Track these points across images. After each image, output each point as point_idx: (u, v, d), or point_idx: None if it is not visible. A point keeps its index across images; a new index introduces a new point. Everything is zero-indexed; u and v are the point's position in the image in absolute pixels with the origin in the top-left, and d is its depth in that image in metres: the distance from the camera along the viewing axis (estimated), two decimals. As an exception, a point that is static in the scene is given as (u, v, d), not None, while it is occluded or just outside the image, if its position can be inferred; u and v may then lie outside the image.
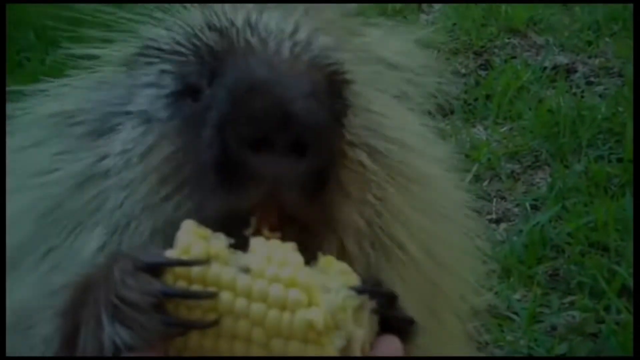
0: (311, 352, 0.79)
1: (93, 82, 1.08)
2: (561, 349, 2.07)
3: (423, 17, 4.08)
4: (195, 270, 0.82)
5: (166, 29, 1.04)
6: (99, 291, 0.85)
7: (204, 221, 0.85)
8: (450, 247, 1.07)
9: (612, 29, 3.65)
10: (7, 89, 1.13)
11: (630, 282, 2.16)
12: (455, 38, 3.70)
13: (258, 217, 0.87)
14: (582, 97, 3.22)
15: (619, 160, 2.75)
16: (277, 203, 0.86)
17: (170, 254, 0.83)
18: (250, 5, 1.04)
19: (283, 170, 0.85)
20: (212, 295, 0.80)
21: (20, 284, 0.99)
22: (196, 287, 0.81)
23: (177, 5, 1.06)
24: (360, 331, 0.83)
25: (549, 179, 2.74)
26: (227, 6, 1.03)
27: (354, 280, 0.86)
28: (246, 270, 0.82)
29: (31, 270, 0.98)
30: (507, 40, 3.71)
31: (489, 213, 2.61)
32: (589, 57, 3.50)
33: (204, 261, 0.81)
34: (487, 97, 3.24)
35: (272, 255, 0.83)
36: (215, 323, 0.80)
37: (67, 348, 0.88)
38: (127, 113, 0.99)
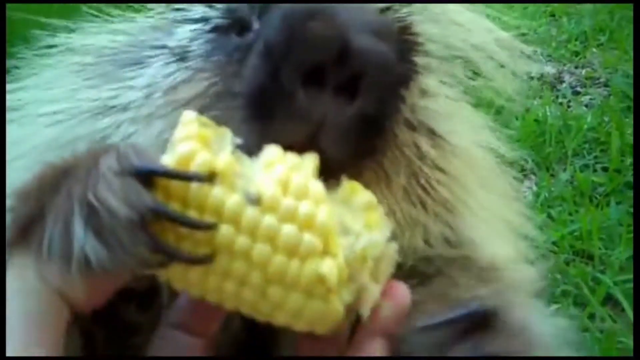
0: (314, 307, 0.67)
1: (132, 25, 0.95)
2: (545, 356, 2.07)
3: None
4: (194, 190, 0.66)
5: None
6: (76, 183, 0.70)
7: None
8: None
9: (598, 40, 3.67)
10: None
11: (614, 291, 2.16)
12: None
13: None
14: (569, 107, 3.23)
15: (605, 169, 2.76)
16: (316, 146, 0.73)
17: (166, 161, 0.67)
18: None
19: (332, 111, 0.72)
20: (210, 228, 0.66)
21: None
22: (193, 213, 0.66)
23: None
24: (375, 288, 0.70)
25: (535, 188, 2.74)
26: None
27: (378, 219, 0.72)
28: (256, 200, 0.67)
29: None
30: (494, 50, 3.72)
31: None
32: (576, 68, 3.51)
33: (206, 178, 0.66)
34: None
35: (289, 180, 0.68)
36: (208, 260, 0.66)
37: (23, 239, 0.71)
38: (163, 47, 0.87)
